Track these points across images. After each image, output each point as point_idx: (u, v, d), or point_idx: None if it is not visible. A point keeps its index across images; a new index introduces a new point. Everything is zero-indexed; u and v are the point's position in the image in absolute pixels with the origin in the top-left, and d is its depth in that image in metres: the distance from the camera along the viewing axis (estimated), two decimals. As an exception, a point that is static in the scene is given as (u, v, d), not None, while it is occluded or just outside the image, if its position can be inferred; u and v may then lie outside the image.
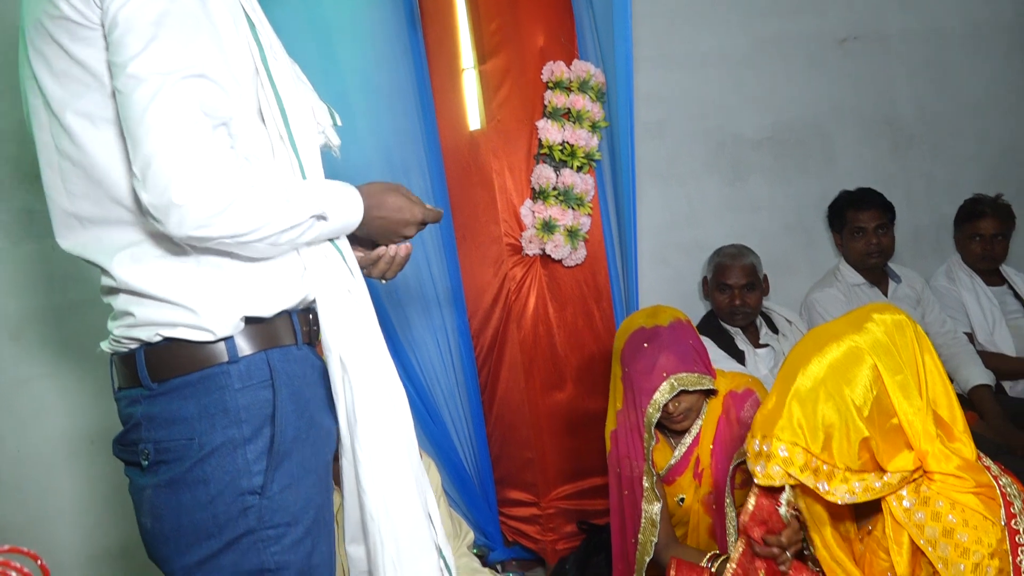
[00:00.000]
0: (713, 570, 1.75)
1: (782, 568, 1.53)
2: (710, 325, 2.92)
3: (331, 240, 1.26)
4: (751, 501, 1.52)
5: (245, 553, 1.15)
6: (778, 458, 1.42)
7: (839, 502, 1.41)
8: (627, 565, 1.97)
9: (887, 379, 1.40)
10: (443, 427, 2.55)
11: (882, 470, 1.41)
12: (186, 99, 1.04)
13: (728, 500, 1.89)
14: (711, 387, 1.92)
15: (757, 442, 1.47)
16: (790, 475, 1.41)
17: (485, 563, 2.22)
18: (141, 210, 1.07)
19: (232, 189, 1.06)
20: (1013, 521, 1.34)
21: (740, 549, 1.55)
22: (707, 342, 2.80)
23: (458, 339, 2.61)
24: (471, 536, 2.24)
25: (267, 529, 1.16)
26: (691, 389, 1.87)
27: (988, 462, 1.46)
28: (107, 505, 2.26)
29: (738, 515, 1.86)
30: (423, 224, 1.36)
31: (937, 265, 3.44)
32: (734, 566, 1.53)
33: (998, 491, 1.37)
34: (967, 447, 1.44)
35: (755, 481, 1.51)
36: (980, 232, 3.25)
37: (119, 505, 2.22)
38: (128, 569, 2.28)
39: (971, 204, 3.32)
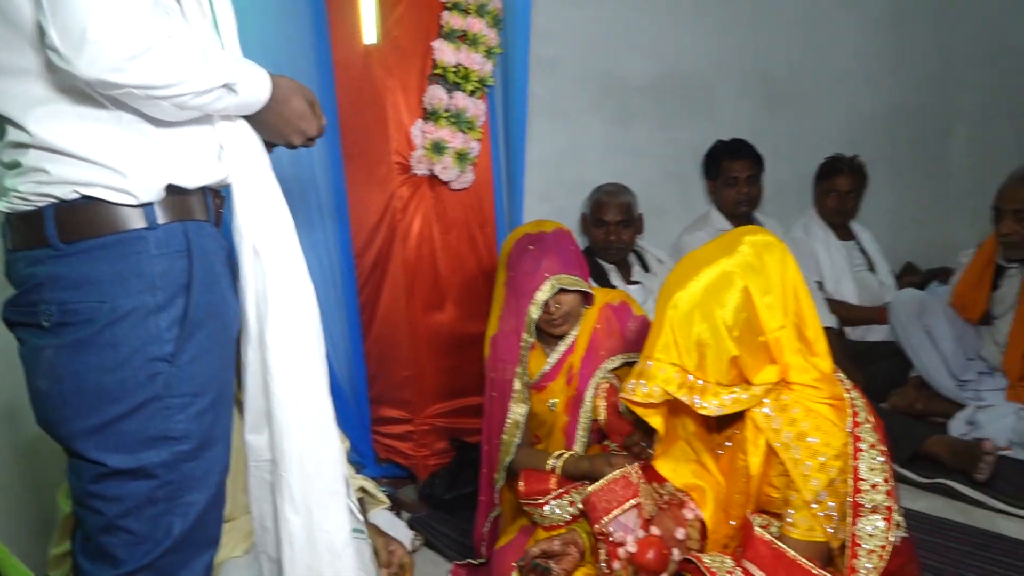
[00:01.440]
0: (558, 468, 1.86)
1: (644, 458, 1.70)
2: (586, 260, 3.02)
3: (250, 125, 1.27)
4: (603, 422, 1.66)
5: (150, 419, 1.16)
6: (658, 377, 1.51)
7: (710, 414, 1.52)
8: (491, 469, 2.06)
9: (757, 299, 1.49)
10: (321, 343, 2.54)
11: (748, 383, 1.54)
12: None
13: (587, 402, 2.00)
14: (588, 291, 2.02)
15: (639, 363, 1.56)
16: (668, 393, 1.51)
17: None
18: (45, 44, 1.02)
19: (152, 35, 1.03)
20: (857, 429, 1.49)
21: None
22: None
23: (340, 256, 2.60)
24: (347, 444, 2.27)
25: (174, 397, 1.17)
26: (570, 288, 1.96)
27: (842, 376, 1.60)
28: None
29: (593, 420, 1.99)
30: (311, 140, 1.36)
31: (796, 218, 3.70)
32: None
33: (848, 403, 1.51)
34: (825, 362, 1.57)
35: (622, 400, 1.61)
36: (836, 188, 3.51)
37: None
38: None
39: (830, 162, 3.58)
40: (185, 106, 1.14)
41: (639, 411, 1.56)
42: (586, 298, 2.06)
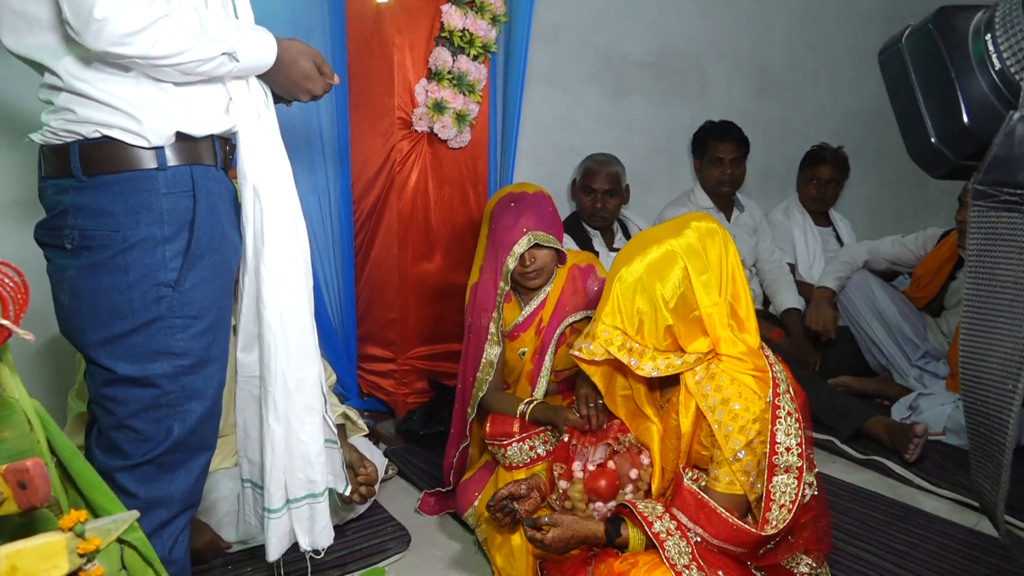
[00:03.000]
0: (528, 414, 2.07)
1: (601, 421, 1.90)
2: (573, 225, 3.19)
3: (261, 82, 1.42)
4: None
5: (155, 336, 1.33)
6: (601, 338, 1.71)
7: (646, 375, 1.71)
8: (464, 404, 2.26)
9: (693, 278, 1.69)
10: (315, 281, 2.70)
11: (682, 351, 1.73)
12: None
13: (550, 352, 2.19)
14: (561, 249, 2.21)
15: (590, 324, 1.76)
16: (609, 352, 1.70)
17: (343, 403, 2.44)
18: (62, 19, 1.19)
19: (149, 15, 1.19)
20: (777, 399, 1.68)
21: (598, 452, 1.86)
22: (567, 239, 3.09)
23: (339, 201, 2.75)
24: (334, 378, 2.46)
25: (176, 318, 1.34)
26: (544, 244, 2.15)
27: (768, 352, 1.79)
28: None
29: (560, 371, 2.19)
30: (318, 96, 1.52)
31: (779, 202, 3.86)
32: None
33: (770, 375, 1.70)
34: (752, 337, 1.75)
35: (571, 355, 1.80)
36: (818, 176, 3.66)
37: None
38: None
39: (816, 150, 3.72)
40: (190, 72, 1.29)
41: (584, 367, 1.78)
42: (559, 258, 2.23)
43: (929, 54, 0.76)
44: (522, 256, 2.13)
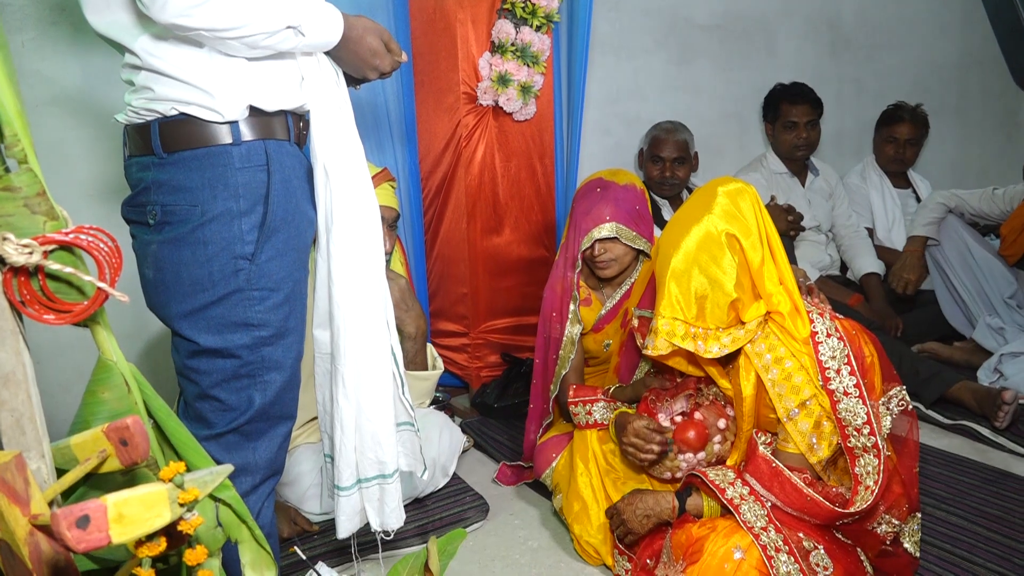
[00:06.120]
0: (611, 392, 2.05)
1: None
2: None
3: (331, 61, 1.43)
4: None
5: (234, 307, 1.36)
6: (663, 332, 1.68)
7: (714, 356, 1.68)
8: (545, 380, 2.25)
9: (743, 242, 1.65)
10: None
11: (742, 323, 1.69)
12: None
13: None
14: (642, 248, 2.14)
15: (652, 321, 1.73)
16: (673, 344, 1.68)
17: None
18: None
19: None
20: (829, 383, 1.62)
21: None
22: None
23: (408, 178, 2.78)
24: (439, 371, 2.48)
25: (253, 290, 1.36)
26: (622, 240, 2.09)
27: (820, 328, 1.67)
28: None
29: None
30: (386, 74, 1.51)
31: (855, 164, 3.74)
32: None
33: (815, 359, 1.64)
34: (785, 300, 1.68)
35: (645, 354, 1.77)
36: (895, 135, 3.53)
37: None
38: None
39: (892, 109, 3.59)
40: (255, 45, 1.30)
41: (663, 360, 1.76)
42: (640, 254, 2.18)
43: None
44: (594, 244, 2.08)
